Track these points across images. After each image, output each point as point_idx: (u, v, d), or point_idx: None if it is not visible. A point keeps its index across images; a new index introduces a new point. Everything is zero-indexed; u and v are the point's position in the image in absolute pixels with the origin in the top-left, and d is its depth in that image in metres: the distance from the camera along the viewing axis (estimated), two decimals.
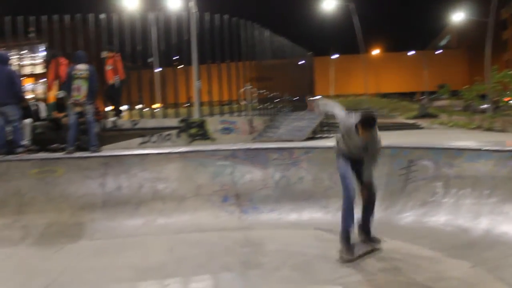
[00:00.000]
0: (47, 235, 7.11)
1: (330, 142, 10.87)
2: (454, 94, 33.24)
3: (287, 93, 16.41)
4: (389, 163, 7.67)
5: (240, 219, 7.73)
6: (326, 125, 14.75)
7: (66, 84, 9.24)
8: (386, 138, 10.17)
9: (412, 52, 58.88)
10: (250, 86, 14.41)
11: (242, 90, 14.28)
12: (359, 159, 5.78)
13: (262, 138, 11.99)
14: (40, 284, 5.15)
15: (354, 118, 5.54)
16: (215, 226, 7.43)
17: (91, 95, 9.15)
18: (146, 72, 14.96)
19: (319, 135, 13.71)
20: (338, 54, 56.43)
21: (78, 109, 9.13)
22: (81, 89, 9.00)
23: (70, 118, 9.20)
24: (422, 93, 47.55)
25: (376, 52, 59.20)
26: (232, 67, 13.90)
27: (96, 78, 9.27)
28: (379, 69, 55.49)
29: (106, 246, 6.69)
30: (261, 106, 15.12)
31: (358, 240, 5.96)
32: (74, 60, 9.48)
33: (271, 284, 4.96)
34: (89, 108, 9.18)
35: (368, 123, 5.30)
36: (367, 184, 5.75)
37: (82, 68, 9.10)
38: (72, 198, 7.74)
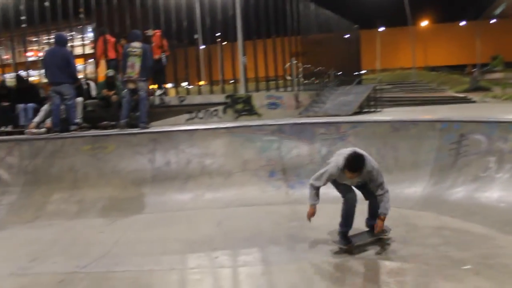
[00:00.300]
0: (100, 209, 7.41)
1: (377, 116, 10.69)
2: (509, 66, 31.67)
3: (332, 67, 16.12)
4: (439, 137, 7.43)
5: (287, 194, 7.75)
6: (373, 100, 14.43)
7: (121, 62, 9.47)
8: (435, 112, 9.88)
9: (463, 23, 56.37)
10: (296, 61, 14.23)
11: (287, 65, 14.13)
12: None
13: (308, 113, 11.87)
14: (96, 255, 5.37)
15: (340, 164, 4.93)
16: (262, 200, 7.49)
17: (145, 72, 9.37)
18: (191, 49, 15.02)
19: (366, 110, 13.44)
20: (384, 27, 54.80)
21: (131, 85, 9.34)
22: (134, 66, 9.21)
23: (123, 95, 9.44)
24: (474, 66, 45.57)
25: (425, 23, 57.04)
26: (278, 42, 13.74)
27: (151, 56, 9.46)
28: (428, 42, 53.42)
29: (156, 219, 6.88)
30: (306, 81, 14.94)
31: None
32: (129, 38, 9.72)
33: (318, 257, 4.96)
34: (142, 85, 9.39)
35: (353, 167, 4.82)
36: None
37: (136, 46, 9.33)
38: (123, 174, 7.98)
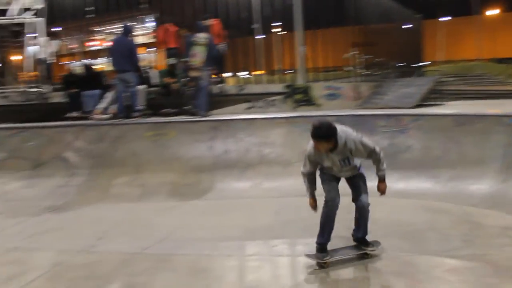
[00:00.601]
0: (161, 194, 7.63)
1: (440, 109, 10.34)
2: None
3: (393, 58, 15.71)
4: (507, 133, 7.08)
5: (346, 186, 7.65)
6: (436, 92, 13.94)
7: (185, 51, 9.68)
8: (503, 107, 9.41)
9: None
10: (356, 52, 13.97)
11: (347, 55, 13.90)
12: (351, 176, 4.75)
13: (368, 105, 11.64)
14: (157, 237, 5.57)
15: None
16: (320, 191, 7.43)
17: (209, 61, 9.53)
18: (250, 39, 15.08)
19: (428, 103, 13.02)
20: (448, 16, 52.70)
21: (195, 73, 9.51)
22: (198, 55, 9.37)
23: (199, 83, 9.58)
24: None
25: (493, 12, 54.33)
26: (337, 32, 13.54)
27: (215, 46, 9.61)
28: (497, 32, 50.78)
29: (216, 206, 7.01)
30: (367, 72, 14.64)
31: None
32: (195, 29, 9.90)
33: (379, 251, 4.87)
34: (205, 74, 9.54)
35: (315, 133, 4.29)
36: (360, 208, 4.73)
37: (201, 36, 9.49)
38: (183, 160, 8.17)
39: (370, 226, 5.04)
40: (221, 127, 8.46)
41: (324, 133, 4.25)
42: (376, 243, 4.82)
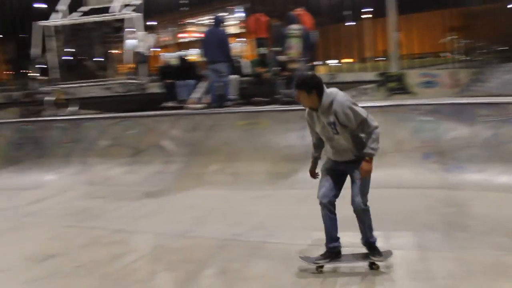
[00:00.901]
0: (253, 182, 7.70)
1: None
2: None
3: (496, 42, 14.65)
4: None
5: (443, 178, 7.25)
6: None
7: (275, 41, 9.71)
8: None
9: None
10: (454, 36, 13.22)
11: (444, 40, 13.20)
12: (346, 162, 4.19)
13: (467, 93, 11.00)
14: (250, 225, 5.66)
15: None
16: (415, 183, 7.12)
17: (305, 52, 9.50)
18: (340, 27, 14.78)
19: None
20: None
21: (294, 65, 9.52)
22: (295, 47, 9.37)
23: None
24: None
25: None
26: (433, 16, 12.88)
27: (309, 36, 9.55)
28: None
29: (307, 195, 6.88)
30: (466, 57, 13.81)
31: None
32: (286, 21, 9.95)
33: (480, 249, 4.56)
34: (302, 65, 9.53)
35: (297, 82, 4.09)
36: (354, 212, 4.24)
37: (295, 27, 9.48)
38: (275, 149, 8.19)
39: (469, 221, 4.74)
40: None
41: (303, 81, 3.99)
42: (387, 254, 4.29)
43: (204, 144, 8.52)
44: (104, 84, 13.53)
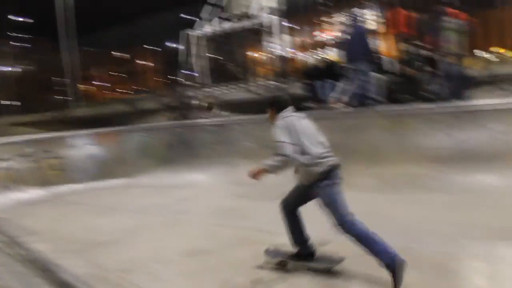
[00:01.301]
0: (397, 184, 7.38)
1: None
2: None
3: None
4: None
5: None
6: None
7: (430, 37, 9.31)
8: None
9: None
10: None
11: None
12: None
13: None
14: (394, 229, 5.30)
15: None
16: None
17: (462, 46, 8.99)
18: (490, 13, 13.43)
19: None
20: None
21: (452, 60, 8.99)
22: (452, 40, 8.84)
23: (452, 69, 9.10)
24: None
25: None
26: None
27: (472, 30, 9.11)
28: None
29: (458, 200, 6.46)
30: None
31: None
32: (434, 14, 9.40)
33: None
34: (459, 61, 9.02)
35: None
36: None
37: (451, 20, 8.94)
38: (420, 150, 7.76)
39: None
40: (462, 115, 7.71)
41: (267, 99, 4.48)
42: (337, 258, 4.60)
43: (344, 145, 8.25)
44: (245, 87, 14.10)
